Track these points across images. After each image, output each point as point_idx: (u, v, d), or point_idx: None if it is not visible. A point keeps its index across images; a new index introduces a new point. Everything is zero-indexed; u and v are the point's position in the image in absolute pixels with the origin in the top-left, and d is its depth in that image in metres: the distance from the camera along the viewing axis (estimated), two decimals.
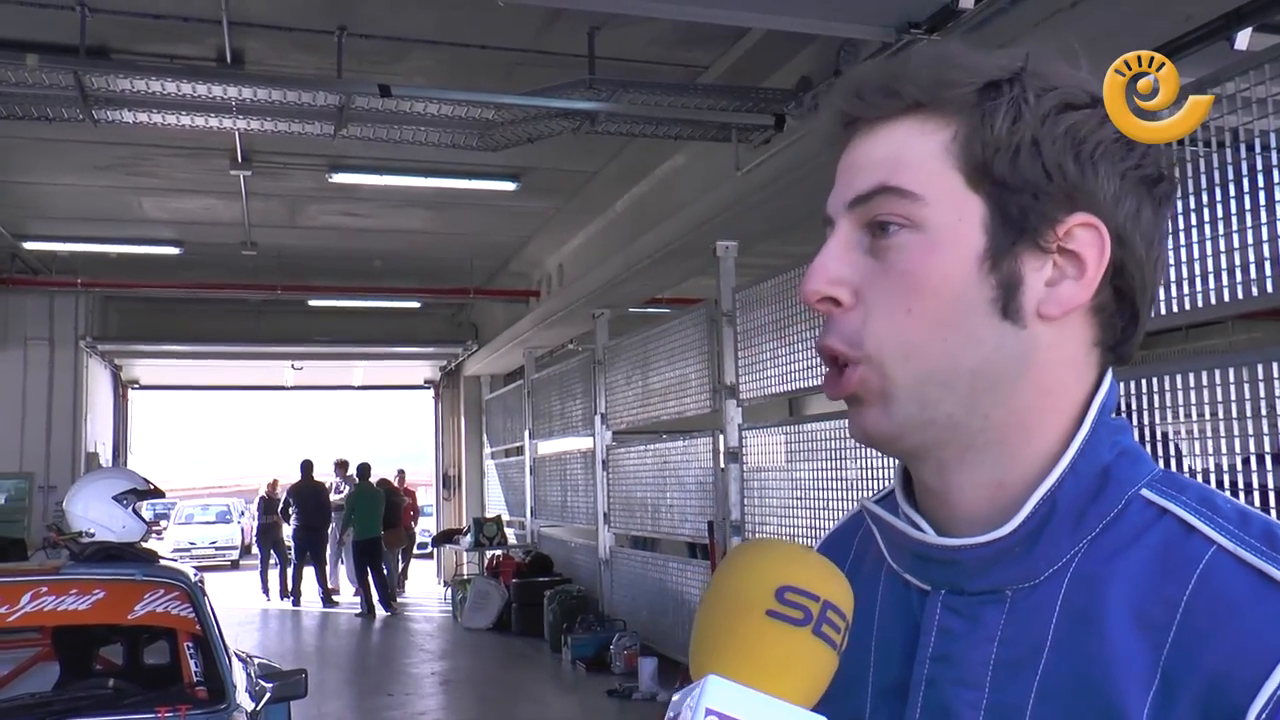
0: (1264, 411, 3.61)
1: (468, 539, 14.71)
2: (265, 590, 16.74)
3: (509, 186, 10.55)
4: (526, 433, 14.20)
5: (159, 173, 10.12)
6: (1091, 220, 0.79)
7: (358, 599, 15.12)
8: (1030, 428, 0.81)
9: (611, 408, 10.93)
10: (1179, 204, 3.89)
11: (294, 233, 12.64)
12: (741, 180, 7.79)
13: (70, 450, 13.97)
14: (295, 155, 9.56)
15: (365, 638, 13.25)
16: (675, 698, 0.73)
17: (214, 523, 25.51)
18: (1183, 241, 3.89)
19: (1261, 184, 3.70)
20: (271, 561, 16.95)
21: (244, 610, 15.22)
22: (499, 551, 14.08)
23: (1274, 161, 3.64)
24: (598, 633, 10.14)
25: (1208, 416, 3.87)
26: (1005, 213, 0.79)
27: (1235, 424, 3.74)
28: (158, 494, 4.83)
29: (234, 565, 23.91)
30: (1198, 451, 3.95)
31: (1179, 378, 3.92)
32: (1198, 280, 3.84)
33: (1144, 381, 4.04)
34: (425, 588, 17.14)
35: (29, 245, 12.53)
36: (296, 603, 15.82)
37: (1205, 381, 3.82)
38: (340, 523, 15.76)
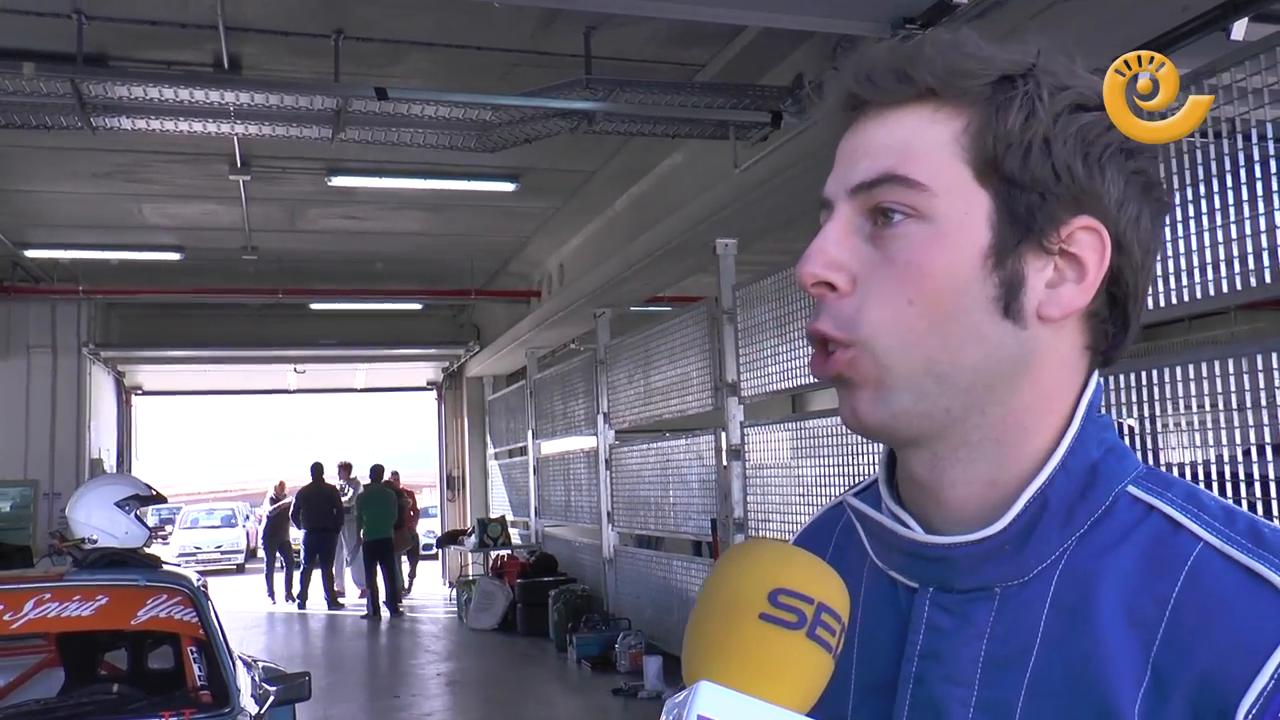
0: (1264, 402, 3.61)
1: (472, 540, 14.71)
2: (271, 593, 16.74)
3: (508, 187, 10.56)
4: (529, 433, 14.20)
5: (158, 179, 10.13)
6: (1094, 224, 0.79)
7: (363, 601, 15.15)
8: (1027, 427, 0.81)
9: (614, 407, 10.93)
10: (1177, 195, 3.89)
11: (294, 236, 12.65)
12: (740, 178, 7.80)
13: (74, 457, 13.97)
14: (294, 159, 9.57)
15: (371, 640, 13.26)
16: (668, 703, 0.72)
17: (219, 527, 25.51)
18: (1181, 233, 3.89)
19: (1259, 174, 3.70)
20: (278, 564, 16.94)
21: (250, 613, 15.23)
22: (503, 552, 14.08)
23: (1271, 151, 3.64)
24: (602, 632, 10.14)
25: (1208, 408, 3.87)
26: (1012, 210, 0.79)
27: (1236, 415, 3.73)
28: (160, 500, 4.84)
29: (239, 569, 23.91)
30: (1199, 443, 3.94)
31: (1179, 369, 3.92)
32: (1196, 272, 3.83)
33: (1145, 374, 4.03)
34: (430, 589, 17.14)
35: (30, 253, 12.55)
36: (303, 605, 15.83)
37: (1205, 373, 3.81)
38: (351, 524, 15.84)
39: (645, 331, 10.09)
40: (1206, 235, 3.82)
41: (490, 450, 17.31)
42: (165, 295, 14.33)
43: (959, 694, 0.79)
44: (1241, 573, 0.73)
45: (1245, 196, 3.70)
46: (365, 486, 15.55)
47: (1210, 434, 3.85)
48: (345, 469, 17.40)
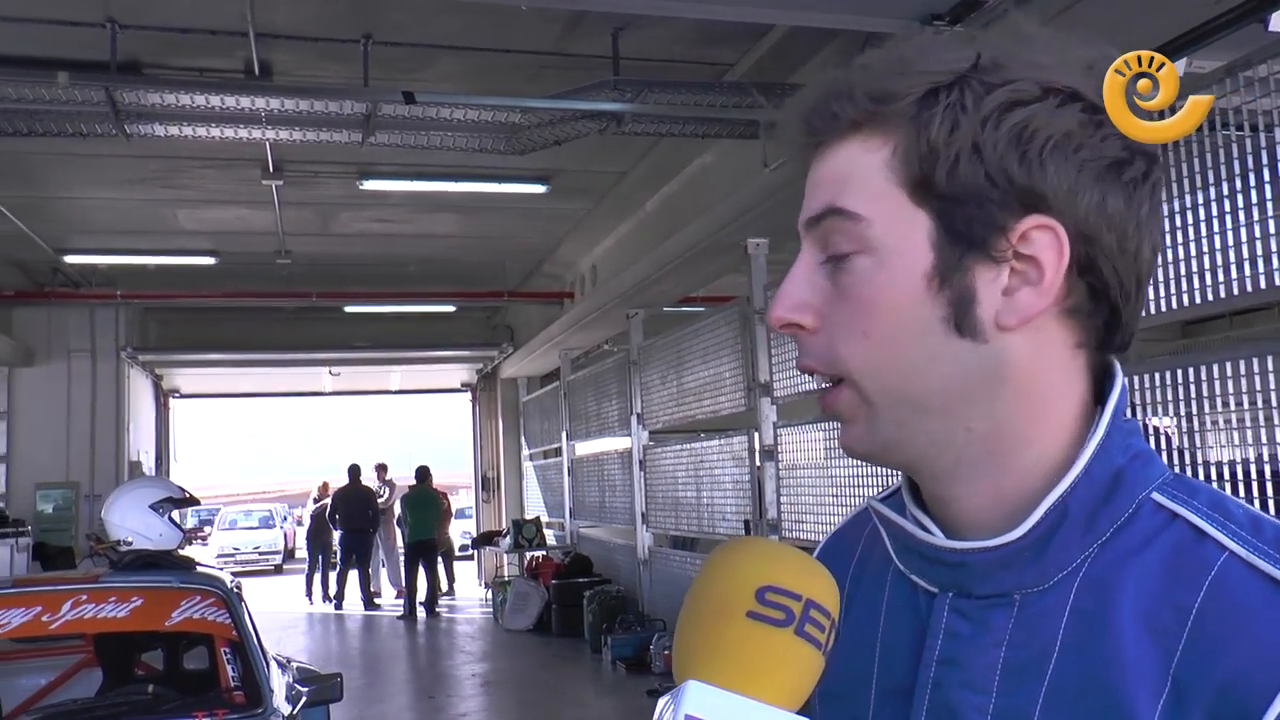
0: None
1: (507, 541, 14.76)
2: (310, 594, 16.87)
3: (539, 189, 10.57)
4: (564, 434, 14.22)
5: (192, 184, 10.23)
6: (1046, 222, 0.75)
7: (400, 602, 15.25)
8: (1021, 436, 0.79)
9: (647, 408, 10.93)
10: (1213, 190, 3.83)
11: (327, 240, 12.73)
12: (770, 177, 7.76)
13: (114, 459, 14.16)
14: (326, 164, 9.63)
15: (407, 640, 13.33)
16: (660, 703, 0.72)
17: (257, 528, 25.73)
18: (1218, 228, 3.83)
19: None
20: (320, 564, 17.08)
21: (288, 614, 15.36)
22: (538, 553, 14.11)
23: None
24: (637, 633, 10.14)
25: (1248, 406, 3.81)
26: (951, 226, 0.76)
27: (1277, 413, 3.68)
28: (193, 502, 4.89)
29: (277, 570, 24.12)
30: (1240, 442, 3.88)
31: (1219, 367, 3.85)
32: (1233, 268, 3.78)
33: (1184, 371, 3.97)
34: (466, 589, 17.21)
35: (70, 259, 12.71)
36: (339, 606, 15.95)
37: (1246, 370, 3.75)
38: (387, 525, 16.00)
39: (678, 332, 10.09)
40: (1244, 230, 3.76)
41: (525, 451, 17.35)
42: (201, 299, 14.48)
43: (976, 701, 0.78)
44: (1266, 583, 0.71)
45: None
46: (411, 488, 15.73)
47: (1251, 432, 3.80)
48: (381, 470, 17.52)
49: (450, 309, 16.41)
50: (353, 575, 15.97)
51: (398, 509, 16.84)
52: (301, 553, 23.96)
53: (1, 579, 5.88)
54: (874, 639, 0.87)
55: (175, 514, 4.76)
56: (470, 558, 18.79)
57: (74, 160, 9.32)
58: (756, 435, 8.19)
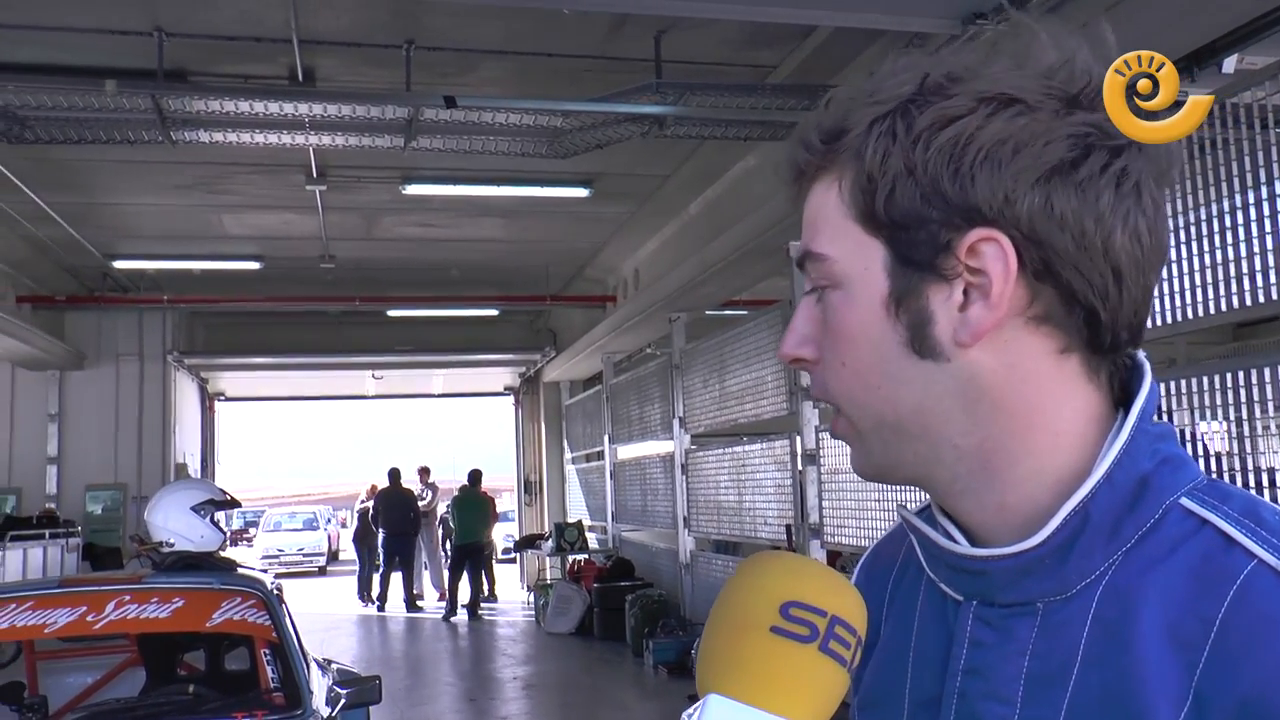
0: None
1: (549, 544, 14.78)
2: (361, 595, 16.98)
3: (582, 193, 10.58)
4: (606, 437, 14.23)
5: (237, 190, 10.34)
6: (987, 234, 0.74)
7: (442, 604, 15.32)
8: (1010, 450, 0.78)
9: (689, 411, 10.90)
10: (1264, 189, 3.76)
11: (371, 245, 12.82)
12: None
13: (161, 461, 14.38)
14: (369, 169, 9.69)
15: (449, 642, 13.37)
16: (683, 717, 0.72)
17: (301, 530, 25.99)
18: (1270, 229, 3.75)
19: None
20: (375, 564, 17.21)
21: (331, 616, 15.48)
22: (580, 556, 14.12)
23: None
24: (679, 637, 10.11)
25: None
26: (899, 251, 0.77)
27: None
28: (234, 504, 4.93)
29: (321, 571, 24.33)
30: None
31: (1267, 370, 3.77)
32: None
33: (1237, 375, 3.88)
34: (508, 592, 17.25)
35: (118, 264, 12.90)
36: (382, 608, 16.05)
37: None
38: (429, 528, 16.13)
39: (720, 336, 10.05)
40: None
41: (567, 455, 17.38)
42: (246, 304, 14.66)
43: (1000, 712, 0.77)
44: None
45: None
46: (460, 489, 15.85)
47: None
48: (424, 473, 17.61)
49: (493, 313, 16.48)
50: (396, 577, 16.08)
51: (441, 510, 16.93)
52: (346, 554, 24.18)
53: (48, 579, 5.97)
54: (908, 648, 0.87)
55: (217, 516, 4.80)
56: (512, 561, 18.84)
57: (122, 167, 9.45)
58: (798, 439, 8.14)
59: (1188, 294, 4.04)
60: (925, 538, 0.84)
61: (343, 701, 4.20)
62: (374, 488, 18.30)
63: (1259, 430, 3.89)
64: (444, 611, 15.01)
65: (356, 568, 18.11)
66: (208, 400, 18.20)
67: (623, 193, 10.98)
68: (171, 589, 4.25)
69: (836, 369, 0.81)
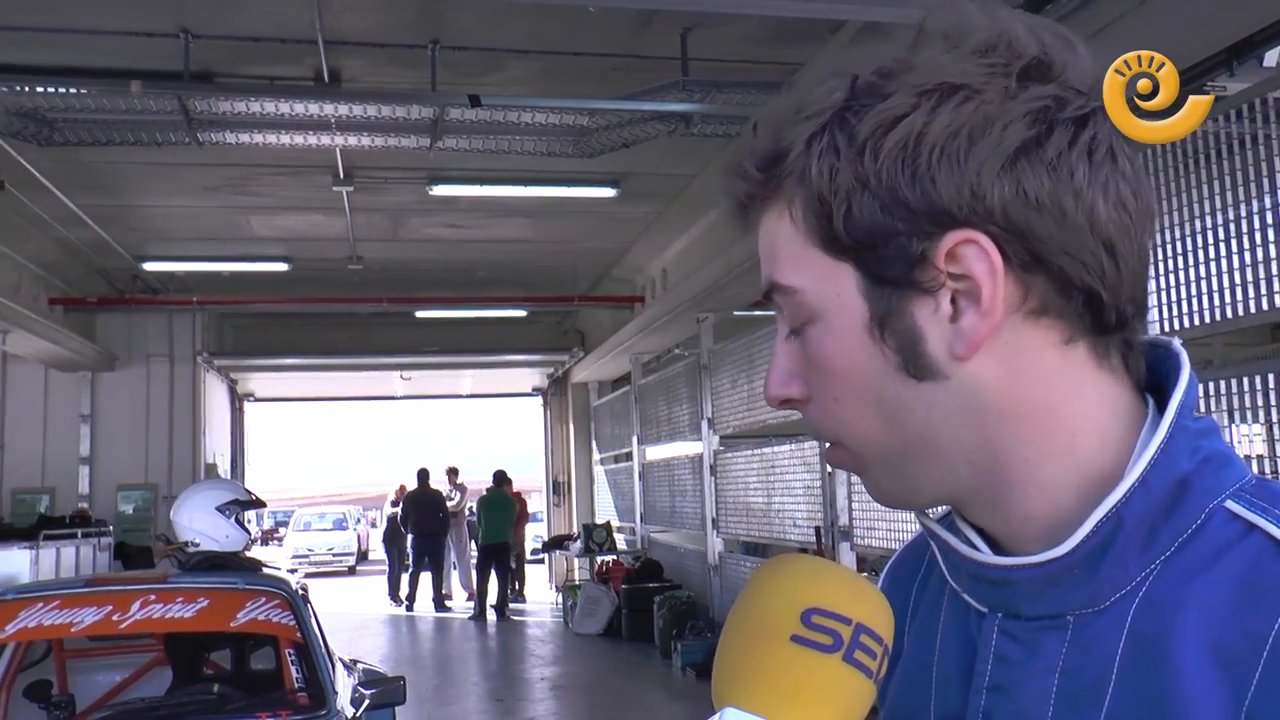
0: None
1: (577, 545, 14.79)
2: (391, 595, 17.02)
3: (609, 193, 10.55)
4: (634, 438, 14.22)
5: (265, 191, 10.37)
6: (963, 236, 0.68)
7: (470, 604, 15.35)
8: (1028, 457, 0.72)
9: (718, 412, 10.86)
10: None
11: (398, 245, 12.84)
12: None
13: (191, 462, 14.48)
14: (395, 169, 9.70)
15: (478, 642, 13.39)
16: None
17: (331, 530, 26.13)
18: None
19: None
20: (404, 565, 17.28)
21: (360, 615, 15.53)
22: (608, 557, 14.11)
23: None
24: (708, 639, 10.07)
25: None
26: (871, 272, 0.71)
27: None
28: (259, 504, 4.93)
29: (351, 571, 24.44)
30: None
31: None
32: None
33: (1274, 376, 3.80)
34: (536, 593, 17.26)
35: (148, 266, 12.97)
36: (411, 608, 16.10)
37: None
38: (457, 529, 16.17)
39: (748, 336, 10.01)
40: None
41: (596, 456, 17.38)
42: (274, 305, 14.73)
43: None
44: None
45: None
46: (487, 490, 15.90)
47: None
48: (453, 474, 17.65)
49: (521, 313, 16.48)
50: (425, 577, 16.13)
51: (470, 510, 16.96)
52: (375, 554, 24.27)
53: (75, 579, 5.99)
54: (931, 661, 0.81)
55: (242, 516, 4.80)
56: (541, 561, 18.86)
57: (151, 169, 9.50)
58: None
59: (1225, 293, 3.97)
60: (946, 545, 0.78)
61: (367, 702, 4.19)
62: (402, 488, 18.36)
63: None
64: (472, 611, 15.03)
65: (386, 568, 18.18)
66: (237, 401, 18.30)
67: (650, 192, 10.94)
68: (196, 589, 4.25)
69: (828, 405, 0.75)
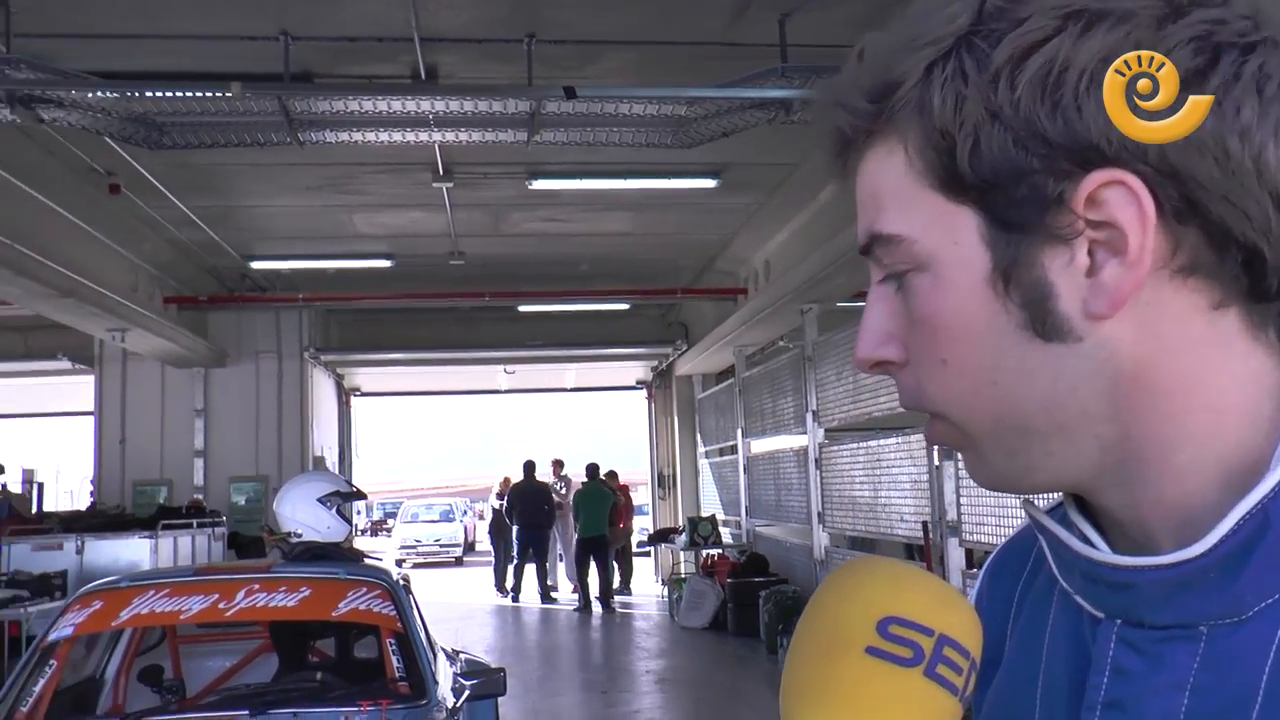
0: None
1: (683, 538, 14.77)
2: (498, 586, 17.21)
3: (709, 184, 10.47)
4: (739, 431, 14.14)
5: (366, 189, 10.53)
6: (1111, 176, 0.60)
7: (575, 596, 15.44)
8: (1165, 436, 0.63)
9: (823, 405, 10.72)
10: None
11: (499, 240, 12.93)
12: None
13: (299, 455, 14.88)
14: (494, 165, 9.75)
15: (582, 634, 13.45)
16: None
17: (438, 521, 26.53)
18: None
19: None
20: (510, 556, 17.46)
21: (466, 605, 15.75)
22: (714, 551, 14.07)
23: None
24: None
25: None
26: (998, 216, 0.63)
27: None
28: (360, 496, 4.99)
29: (458, 562, 24.77)
30: None
31: None
32: None
33: None
34: (642, 585, 17.29)
35: (256, 264, 13.30)
36: (516, 599, 16.26)
37: None
38: (563, 521, 16.29)
39: (853, 327, 9.81)
40: None
41: (700, 449, 17.35)
42: (378, 301, 14.99)
43: None
44: None
45: None
46: (582, 484, 15.98)
47: None
48: (558, 466, 17.77)
49: (624, 307, 16.50)
50: (530, 569, 16.26)
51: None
52: (482, 545, 24.58)
53: (185, 568, 6.14)
54: (1037, 670, 0.72)
55: (344, 508, 4.86)
56: (647, 554, 18.91)
57: (256, 170, 9.72)
58: None
59: None
60: (1057, 540, 0.69)
61: (468, 692, 4.21)
62: (506, 481, 18.53)
63: None
64: (577, 604, 15.12)
65: (493, 559, 18.38)
66: (344, 395, 18.68)
67: (751, 183, 10.83)
68: (299, 579, 4.31)
69: (933, 368, 0.67)
